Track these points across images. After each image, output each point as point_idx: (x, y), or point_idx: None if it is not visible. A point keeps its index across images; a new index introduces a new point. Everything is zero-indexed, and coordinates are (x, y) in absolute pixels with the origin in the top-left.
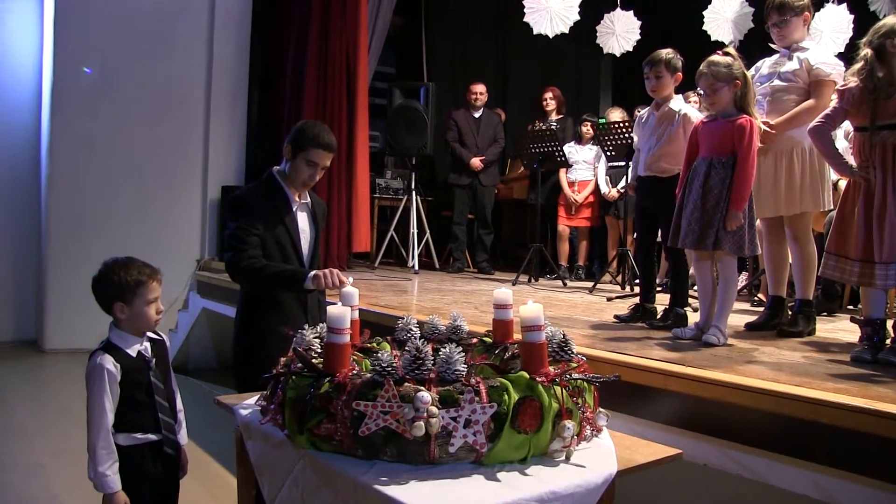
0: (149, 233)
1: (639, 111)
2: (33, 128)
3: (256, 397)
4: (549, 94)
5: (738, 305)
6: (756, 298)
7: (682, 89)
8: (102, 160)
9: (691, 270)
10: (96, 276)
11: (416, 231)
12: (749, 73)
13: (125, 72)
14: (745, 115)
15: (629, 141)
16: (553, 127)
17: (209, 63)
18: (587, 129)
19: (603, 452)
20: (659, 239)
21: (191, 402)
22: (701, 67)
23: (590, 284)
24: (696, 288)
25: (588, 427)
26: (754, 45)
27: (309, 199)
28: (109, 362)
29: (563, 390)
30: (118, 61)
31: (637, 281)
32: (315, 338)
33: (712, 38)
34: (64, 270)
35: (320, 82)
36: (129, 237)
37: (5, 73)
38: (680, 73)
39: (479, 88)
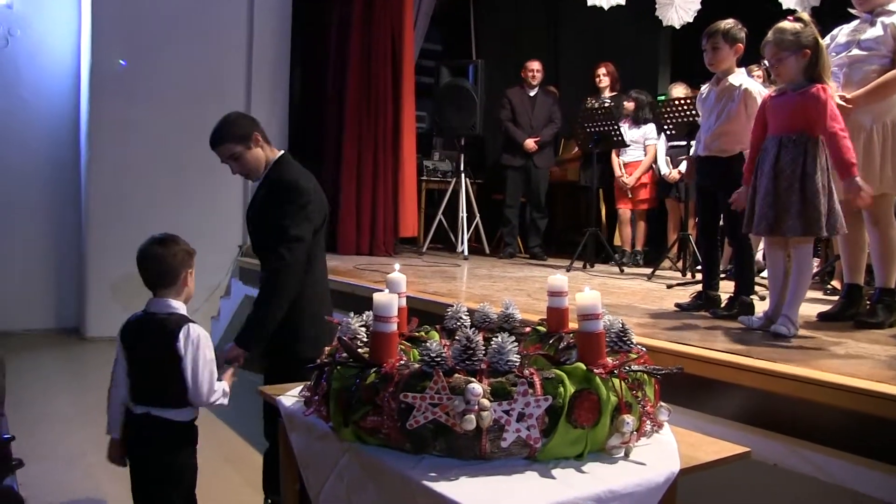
0: (190, 218)
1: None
2: (72, 114)
3: (300, 387)
4: (602, 70)
5: (809, 294)
6: (830, 287)
7: (747, 62)
8: (142, 145)
9: (757, 256)
10: (160, 247)
11: (465, 215)
12: (824, 42)
13: (164, 54)
14: (816, 84)
15: (690, 118)
16: (607, 104)
17: (249, 42)
18: (630, 105)
19: (664, 449)
20: (722, 223)
21: (234, 393)
22: (767, 35)
23: (648, 271)
24: (763, 275)
25: (648, 422)
26: (831, 14)
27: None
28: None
29: (622, 383)
30: (157, 43)
31: (699, 267)
32: (361, 326)
33: (784, 6)
34: (105, 257)
35: (364, 61)
36: (169, 223)
37: (44, 59)
38: (741, 45)
39: (535, 66)
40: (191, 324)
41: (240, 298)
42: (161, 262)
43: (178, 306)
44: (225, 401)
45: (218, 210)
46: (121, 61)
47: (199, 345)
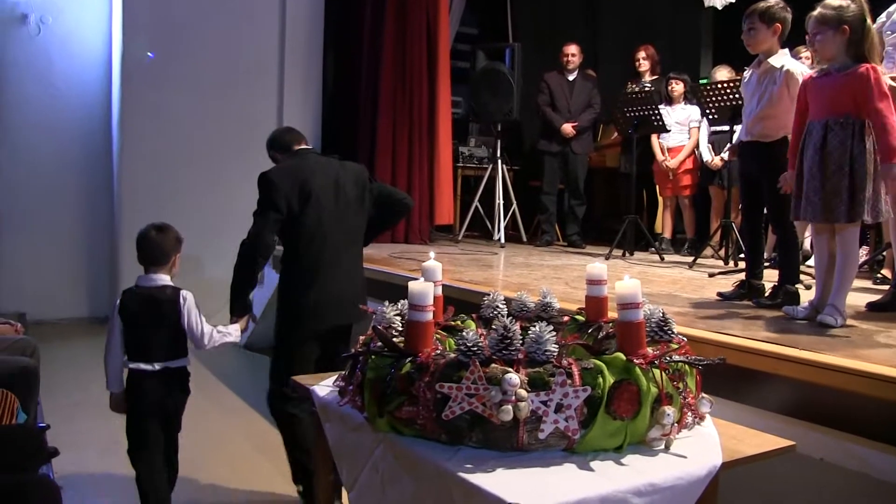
0: (222, 205)
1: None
2: (104, 101)
3: (334, 377)
4: (642, 54)
5: (857, 283)
6: (880, 276)
7: (795, 44)
8: (174, 131)
9: (804, 244)
10: (157, 233)
11: (502, 202)
12: (879, 20)
13: (195, 40)
14: (864, 64)
15: (734, 103)
16: (647, 88)
17: (282, 27)
18: (675, 88)
19: (706, 442)
20: (766, 210)
21: (267, 381)
22: (812, 11)
23: (689, 259)
24: (808, 262)
25: (690, 414)
26: None
27: None
28: None
29: (663, 373)
30: (188, 30)
31: (742, 255)
32: (396, 315)
33: None
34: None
35: (399, 45)
36: (202, 210)
37: (76, 47)
38: (779, 25)
39: (572, 49)
40: (182, 290)
41: (273, 287)
42: (157, 246)
43: (168, 280)
44: (234, 337)
45: (250, 196)
46: (149, 54)
47: (193, 304)
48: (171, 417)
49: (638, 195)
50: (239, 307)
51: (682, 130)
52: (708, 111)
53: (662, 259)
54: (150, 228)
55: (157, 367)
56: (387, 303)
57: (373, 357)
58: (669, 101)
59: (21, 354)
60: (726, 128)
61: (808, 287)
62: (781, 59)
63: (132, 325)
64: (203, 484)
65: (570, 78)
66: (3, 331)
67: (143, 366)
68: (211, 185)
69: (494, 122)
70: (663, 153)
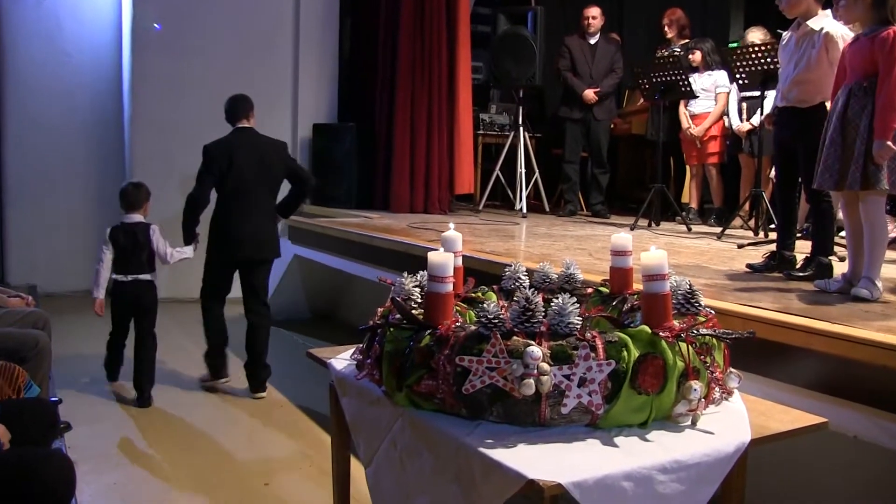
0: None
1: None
2: (114, 66)
3: (352, 350)
4: (666, 20)
5: (894, 255)
6: None
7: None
8: (186, 100)
9: (838, 214)
10: (133, 188)
11: (523, 171)
12: None
13: (208, 6)
14: (889, 27)
15: (766, 67)
16: (676, 52)
17: None
18: (693, 57)
19: (734, 418)
20: (801, 178)
21: (282, 355)
22: None
23: (718, 229)
24: (842, 234)
25: (717, 389)
26: None
27: None
28: None
29: (690, 347)
30: None
31: (773, 226)
32: (415, 287)
33: None
34: (149, 217)
35: (417, 9)
36: None
37: (85, 11)
38: None
39: (593, 12)
40: (152, 224)
41: (289, 258)
42: (133, 196)
43: (142, 218)
44: (188, 254)
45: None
46: (155, 25)
47: (159, 234)
48: (145, 311)
49: (665, 163)
50: (189, 236)
51: (709, 97)
52: (738, 76)
53: (689, 229)
54: (129, 185)
55: (129, 278)
56: (405, 274)
57: (391, 329)
58: (695, 67)
59: (32, 327)
60: (757, 93)
61: (841, 259)
62: (821, 21)
63: (117, 248)
64: (206, 453)
65: (592, 42)
66: (14, 303)
67: (120, 277)
68: None
69: (516, 87)
70: (688, 121)
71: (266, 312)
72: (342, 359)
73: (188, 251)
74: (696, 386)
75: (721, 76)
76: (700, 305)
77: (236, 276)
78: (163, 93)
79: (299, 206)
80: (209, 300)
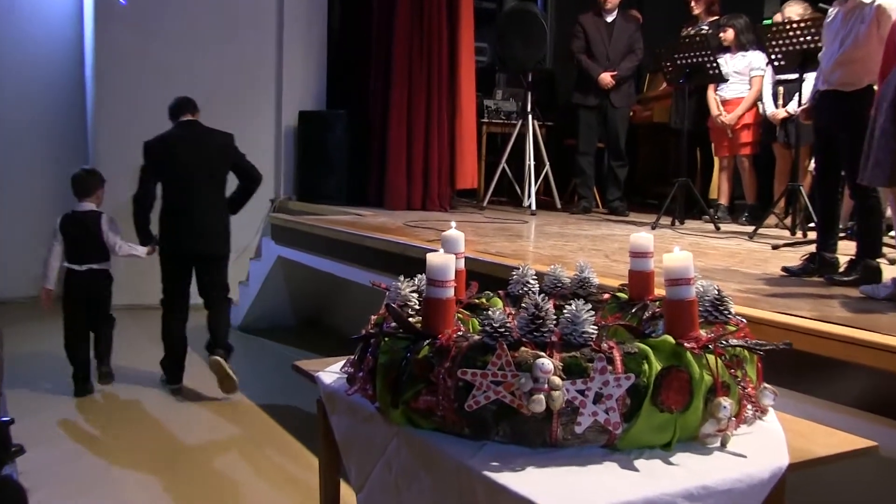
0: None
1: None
2: (75, 44)
3: (342, 362)
4: None
5: None
6: None
7: None
8: (159, 83)
9: (887, 211)
10: (87, 174)
11: (533, 163)
12: None
13: None
14: None
15: (806, 46)
16: (704, 31)
17: None
18: (725, 36)
19: (769, 440)
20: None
21: (264, 367)
22: None
23: (750, 228)
24: (892, 234)
25: (749, 406)
26: None
27: None
28: None
29: (718, 359)
30: None
31: (812, 224)
32: (412, 292)
33: None
34: (118, 210)
35: None
36: None
37: None
38: None
39: None
40: (104, 213)
41: (272, 260)
42: (86, 183)
43: (95, 207)
44: (138, 253)
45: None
46: (120, 0)
47: (111, 223)
48: (98, 301)
49: (690, 155)
50: (143, 238)
51: (742, 80)
52: (774, 56)
53: (718, 228)
54: (81, 170)
55: (83, 267)
56: (402, 277)
57: (386, 339)
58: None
59: None
60: (795, 76)
61: (892, 262)
62: None
63: (68, 237)
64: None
65: (609, 20)
66: None
67: (74, 266)
68: None
69: (524, 71)
70: (719, 107)
71: (224, 296)
72: (331, 372)
73: (140, 250)
74: (726, 403)
75: (756, 57)
76: (730, 313)
77: None
78: (130, 75)
79: (247, 202)
80: (167, 303)
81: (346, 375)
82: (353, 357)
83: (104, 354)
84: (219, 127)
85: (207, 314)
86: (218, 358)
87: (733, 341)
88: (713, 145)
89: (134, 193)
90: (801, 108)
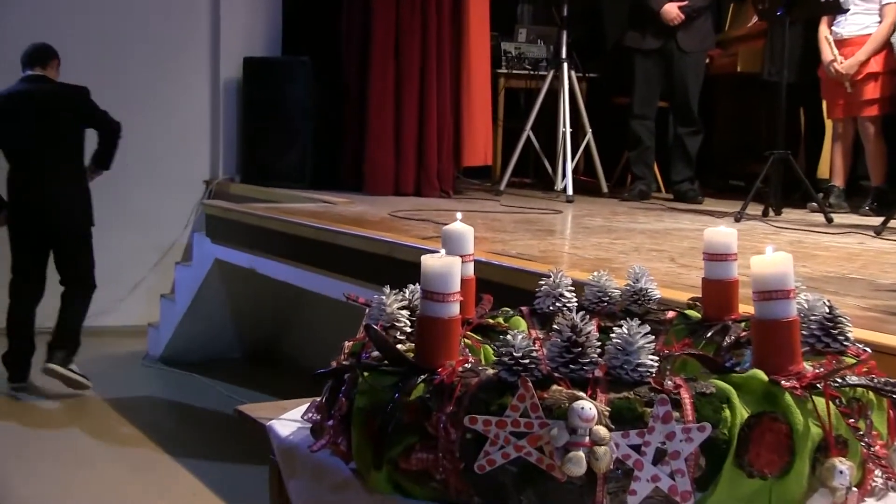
0: (129, 142)
1: None
2: None
3: (304, 407)
4: None
5: None
6: None
7: None
8: (55, 31)
9: None
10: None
11: (569, 130)
12: None
13: None
14: None
15: None
16: None
17: None
18: None
19: None
20: None
21: (196, 413)
22: None
23: (877, 221)
24: None
25: (878, 471)
26: None
27: None
28: None
29: (831, 404)
30: None
31: None
32: (401, 308)
33: None
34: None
35: None
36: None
37: None
38: None
39: None
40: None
41: (208, 264)
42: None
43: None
44: None
45: (172, 125)
46: None
47: None
48: None
49: (792, 117)
50: None
51: (869, 10)
52: None
53: (830, 221)
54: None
55: None
56: (387, 289)
57: (365, 374)
58: None
59: None
60: None
61: None
62: None
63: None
64: None
65: None
66: None
67: None
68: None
69: (556, 2)
70: (833, 50)
71: (81, 283)
72: (289, 420)
73: None
74: (843, 466)
75: None
76: (847, 339)
77: None
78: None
79: (115, 152)
80: (15, 288)
81: (310, 425)
82: (319, 399)
83: None
84: (136, 84)
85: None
86: (52, 367)
87: (852, 379)
88: (825, 104)
89: None
90: None
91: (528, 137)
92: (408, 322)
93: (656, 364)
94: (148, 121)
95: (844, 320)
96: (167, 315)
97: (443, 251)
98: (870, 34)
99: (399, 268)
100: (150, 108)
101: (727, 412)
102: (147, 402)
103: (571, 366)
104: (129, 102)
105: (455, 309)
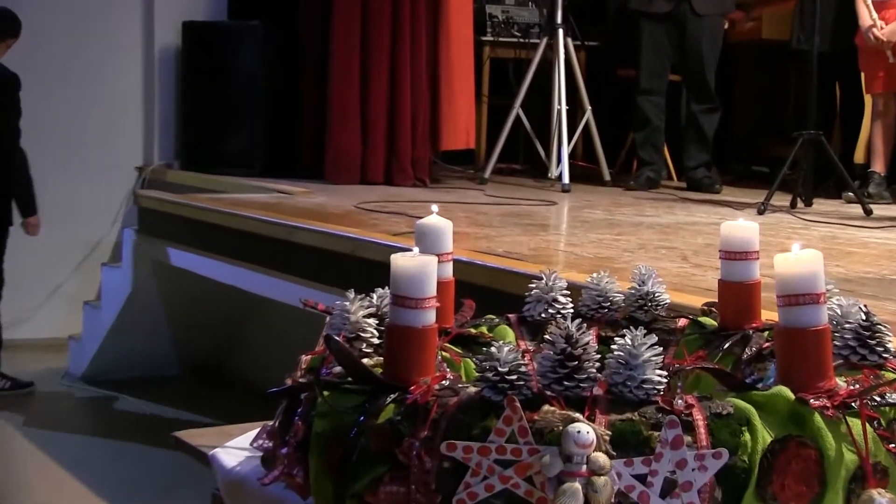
0: (50, 125)
1: None
2: None
3: (255, 432)
4: None
5: None
6: None
7: None
8: None
9: None
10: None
11: (564, 108)
12: None
13: None
14: None
15: None
16: None
17: None
18: None
19: None
20: None
21: (125, 441)
22: None
23: None
24: None
25: None
26: None
27: None
28: None
29: (869, 427)
30: None
31: None
32: (368, 316)
33: None
34: None
35: None
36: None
37: None
38: None
39: None
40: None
41: (141, 266)
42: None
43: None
44: None
45: (96, 111)
46: None
47: None
48: None
49: (825, 93)
50: None
51: None
52: None
53: (869, 212)
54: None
55: None
56: (351, 293)
57: (326, 394)
58: None
59: None
60: None
61: None
62: None
63: None
64: None
65: None
66: None
67: None
68: (34, 90)
69: None
70: (872, 14)
71: None
72: (236, 448)
73: None
74: (883, 499)
75: None
76: (888, 351)
77: None
78: None
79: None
80: None
81: (260, 453)
82: (272, 424)
83: None
84: (45, 54)
85: None
86: None
87: (893, 397)
88: (863, 77)
89: None
90: None
91: (518, 116)
92: (375, 332)
93: (665, 380)
94: (69, 96)
95: (884, 329)
96: (91, 325)
97: (416, 249)
98: None
99: (365, 269)
100: (71, 82)
101: (747, 436)
102: (67, 428)
103: (566, 382)
104: (46, 75)
105: (430, 316)
